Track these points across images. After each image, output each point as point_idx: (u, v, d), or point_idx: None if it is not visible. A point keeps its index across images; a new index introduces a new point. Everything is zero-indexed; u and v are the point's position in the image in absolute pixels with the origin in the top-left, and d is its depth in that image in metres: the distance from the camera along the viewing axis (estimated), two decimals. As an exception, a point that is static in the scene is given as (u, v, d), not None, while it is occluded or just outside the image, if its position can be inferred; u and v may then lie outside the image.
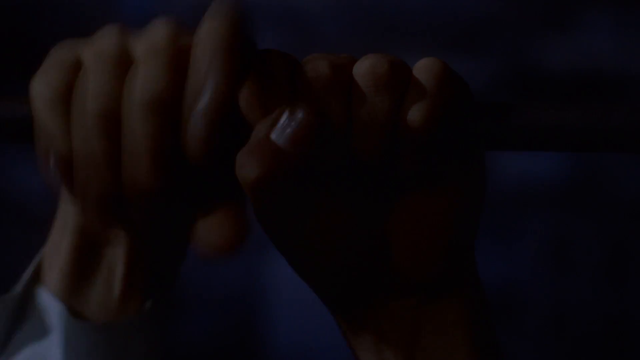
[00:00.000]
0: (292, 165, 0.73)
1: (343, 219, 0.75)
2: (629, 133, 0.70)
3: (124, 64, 0.79)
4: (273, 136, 0.73)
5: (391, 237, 0.76)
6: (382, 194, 0.75)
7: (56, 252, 1.00)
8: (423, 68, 0.77)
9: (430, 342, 0.81)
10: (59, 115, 0.80)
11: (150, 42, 0.79)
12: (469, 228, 0.78)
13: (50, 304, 1.02)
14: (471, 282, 0.81)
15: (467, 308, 0.80)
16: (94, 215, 0.85)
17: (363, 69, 0.72)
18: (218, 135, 0.76)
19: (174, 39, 0.80)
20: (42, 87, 0.86)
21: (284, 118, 0.74)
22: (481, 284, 0.84)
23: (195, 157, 0.77)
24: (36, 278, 1.02)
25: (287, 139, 0.72)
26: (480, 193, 0.79)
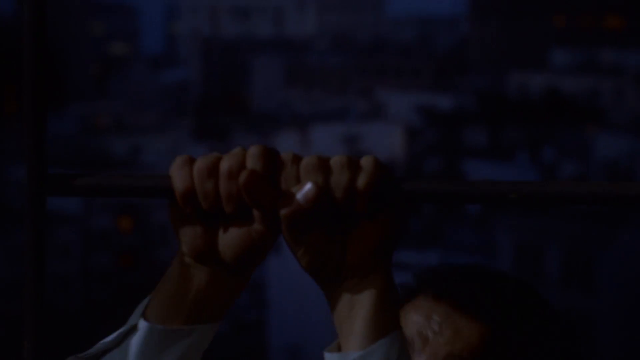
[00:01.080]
0: (305, 211, 1.39)
1: (327, 236, 1.41)
2: (483, 197, 1.35)
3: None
4: (298, 197, 1.39)
5: (348, 245, 1.41)
6: (345, 223, 1.41)
7: (161, 292, 1.46)
8: (366, 159, 1.45)
9: (361, 303, 1.46)
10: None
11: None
12: (390, 243, 1.42)
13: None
14: (388, 274, 1.45)
15: (383, 288, 1.44)
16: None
17: (336, 159, 1.43)
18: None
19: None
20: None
21: (304, 189, 1.41)
22: (392, 277, 1.49)
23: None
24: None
25: (303, 198, 1.39)
26: (397, 225, 1.42)
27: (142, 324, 1.46)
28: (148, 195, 1.50)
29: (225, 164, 1.41)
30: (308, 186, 1.42)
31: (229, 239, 1.45)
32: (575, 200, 1.35)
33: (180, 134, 68.08)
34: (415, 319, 1.99)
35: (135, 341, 1.48)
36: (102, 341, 1.51)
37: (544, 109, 62.98)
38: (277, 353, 45.30)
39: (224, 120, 71.76)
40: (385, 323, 1.49)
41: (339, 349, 1.50)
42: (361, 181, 1.45)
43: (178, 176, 1.43)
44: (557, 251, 39.57)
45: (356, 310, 1.46)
